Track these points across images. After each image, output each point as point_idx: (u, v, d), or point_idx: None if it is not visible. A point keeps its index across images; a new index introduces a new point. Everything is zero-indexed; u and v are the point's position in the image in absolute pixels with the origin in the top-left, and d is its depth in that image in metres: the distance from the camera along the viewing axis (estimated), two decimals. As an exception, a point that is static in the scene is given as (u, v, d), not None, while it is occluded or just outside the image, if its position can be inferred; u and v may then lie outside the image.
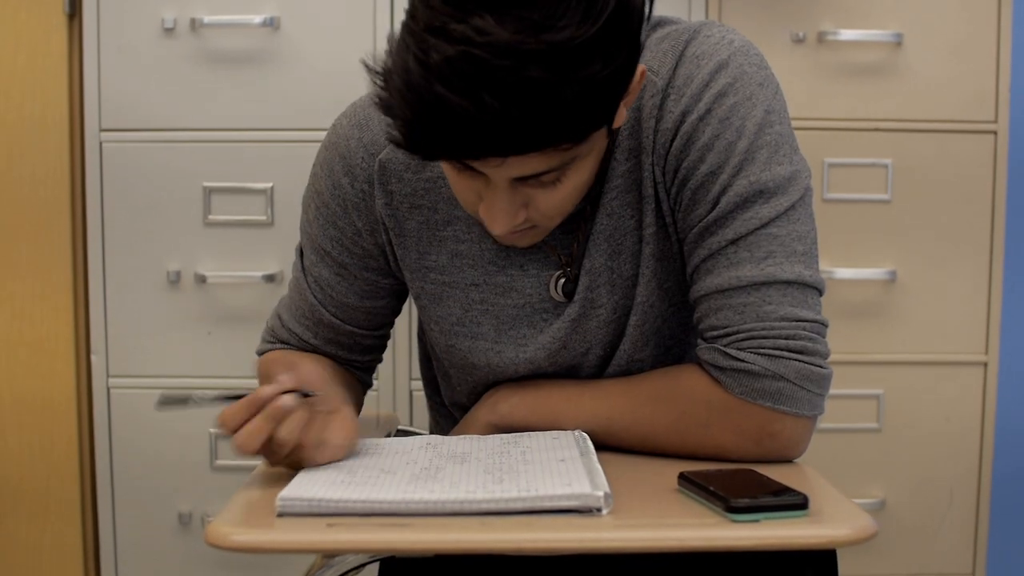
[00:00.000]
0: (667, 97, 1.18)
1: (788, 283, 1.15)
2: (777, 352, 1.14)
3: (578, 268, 1.26)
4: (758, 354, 1.15)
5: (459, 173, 1.11)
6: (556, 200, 1.13)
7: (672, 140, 1.18)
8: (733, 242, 1.16)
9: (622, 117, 1.12)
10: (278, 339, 1.42)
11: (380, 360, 1.47)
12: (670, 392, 1.20)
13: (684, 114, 1.17)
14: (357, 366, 1.43)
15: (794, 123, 2.01)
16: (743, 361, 1.15)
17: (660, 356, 1.30)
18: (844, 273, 2.00)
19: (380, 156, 1.29)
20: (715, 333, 1.17)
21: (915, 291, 2.02)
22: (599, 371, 1.31)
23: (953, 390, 2.03)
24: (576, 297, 1.27)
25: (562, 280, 1.27)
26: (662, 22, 1.26)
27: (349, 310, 1.36)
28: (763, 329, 1.15)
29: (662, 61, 1.19)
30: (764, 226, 1.16)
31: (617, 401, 1.23)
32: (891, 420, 2.03)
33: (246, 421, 1.07)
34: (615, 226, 1.24)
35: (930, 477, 2.05)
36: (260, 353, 1.45)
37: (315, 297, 1.36)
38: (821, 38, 1.96)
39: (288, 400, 1.07)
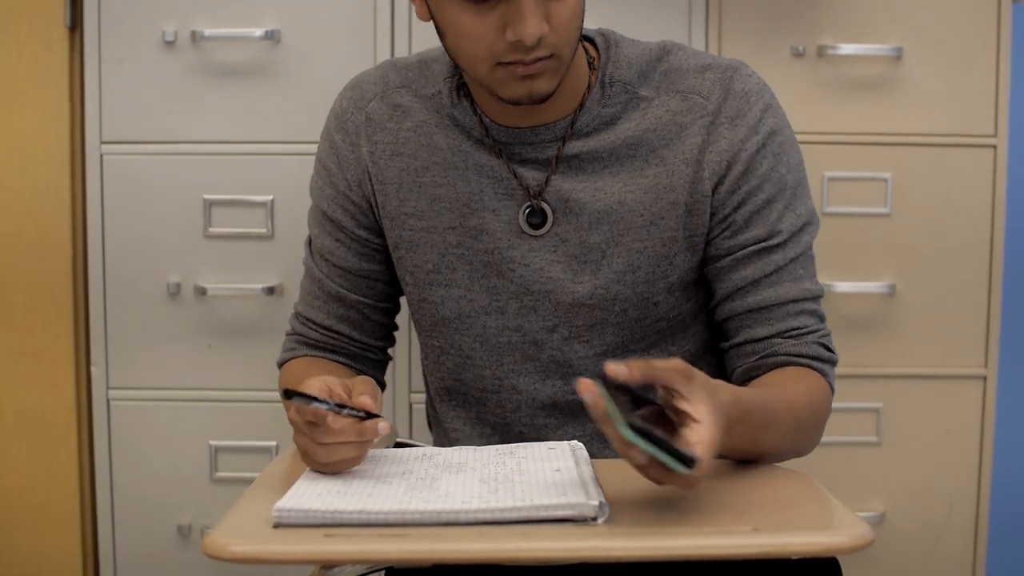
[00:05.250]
0: (718, 123, 1.33)
1: (819, 296, 1.39)
2: (832, 352, 1.39)
3: (544, 199, 1.36)
4: (832, 351, 1.38)
5: (477, 17, 1.21)
6: (567, 12, 1.23)
7: (730, 164, 1.33)
8: (793, 260, 1.36)
9: None
10: (296, 332, 1.49)
11: (391, 354, 1.53)
12: (818, 419, 1.34)
13: (743, 142, 1.33)
14: (372, 356, 1.49)
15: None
16: (834, 352, 1.38)
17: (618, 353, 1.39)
18: (843, 287, 2.00)
19: (366, 108, 1.40)
20: (802, 331, 1.36)
21: (914, 304, 2.02)
22: (572, 353, 1.39)
23: (952, 403, 2.03)
24: (536, 249, 1.35)
25: (528, 210, 1.36)
26: (678, 48, 1.39)
27: (351, 276, 1.44)
28: (825, 331, 1.38)
29: (711, 89, 1.34)
30: (809, 249, 1.38)
31: (788, 430, 1.28)
32: (890, 433, 2.03)
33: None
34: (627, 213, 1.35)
35: (929, 490, 2.04)
36: (280, 364, 1.49)
37: (321, 271, 1.45)
38: (821, 52, 1.97)
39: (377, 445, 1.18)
